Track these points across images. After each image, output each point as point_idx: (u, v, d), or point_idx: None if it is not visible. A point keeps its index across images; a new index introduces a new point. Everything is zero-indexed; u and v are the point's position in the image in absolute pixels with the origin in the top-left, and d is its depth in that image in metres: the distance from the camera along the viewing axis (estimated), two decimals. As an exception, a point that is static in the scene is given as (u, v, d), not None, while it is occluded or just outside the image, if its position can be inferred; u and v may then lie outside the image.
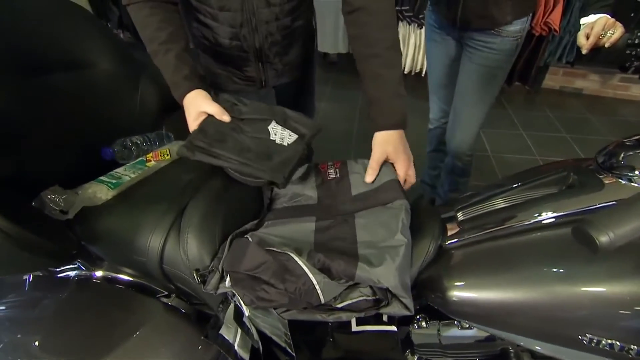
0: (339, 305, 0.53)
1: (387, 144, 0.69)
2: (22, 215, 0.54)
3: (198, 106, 0.71)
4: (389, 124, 0.69)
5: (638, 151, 0.57)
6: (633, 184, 0.54)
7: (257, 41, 0.85)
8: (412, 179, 0.72)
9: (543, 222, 0.55)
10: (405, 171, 0.70)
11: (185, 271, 0.56)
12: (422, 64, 2.78)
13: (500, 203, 0.61)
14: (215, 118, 0.70)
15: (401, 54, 0.71)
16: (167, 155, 0.79)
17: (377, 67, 0.69)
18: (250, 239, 0.56)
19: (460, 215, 0.63)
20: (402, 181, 0.69)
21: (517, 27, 1.03)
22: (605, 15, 0.83)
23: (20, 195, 0.60)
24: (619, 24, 0.80)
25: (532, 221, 0.55)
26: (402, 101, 0.70)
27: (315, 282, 0.50)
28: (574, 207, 0.53)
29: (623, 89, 2.71)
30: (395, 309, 0.53)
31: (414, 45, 2.73)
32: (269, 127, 0.71)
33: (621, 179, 0.55)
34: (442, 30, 1.17)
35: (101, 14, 3.86)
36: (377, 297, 0.53)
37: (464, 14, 1.04)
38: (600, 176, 0.57)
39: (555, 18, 2.00)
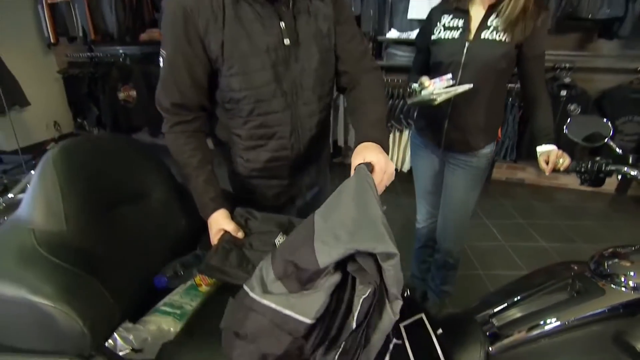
0: (355, 323, 0.48)
1: (364, 151, 0.71)
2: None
3: (219, 224, 0.82)
4: (368, 138, 0.75)
5: (616, 260, 0.74)
6: (622, 288, 0.69)
7: (302, 145, 0.94)
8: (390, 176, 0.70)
9: (567, 325, 0.67)
10: (382, 168, 0.68)
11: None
12: (398, 162, 3.14)
13: (525, 309, 0.73)
14: (232, 235, 0.80)
15: (385, 108, 0.90)
16: (214, 276, 0.84)
17: (361, 112, 0.86)
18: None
19: (495, 322, 0.73)
20: (379, 179, 0.67)
21: (488, 150, 1.30)
22: (554, 147, 1.12)
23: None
24: (565, 155, 1.08)
25: (558, 324, 0.67)
26: (383, 132, 0.80)
27: (285, 311, 0.47)
28: (589, 310, 0.67)
29: (555, 179, 3.24)
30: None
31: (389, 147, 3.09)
32: (276, 241, 0.80)
33: (613, 284, 0.70)
34: (427, 149, 1.42)
35: (79, 113, 3.97)
36: (369, 281, 0.48)
37: (446, 141, 1.30)
38: (597, 282, 0.72)
39: (496, 128, 2.47)
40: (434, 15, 1.24)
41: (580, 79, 2.72)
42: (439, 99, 1.13)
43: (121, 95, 3.54)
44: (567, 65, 2.65)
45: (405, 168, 2.98)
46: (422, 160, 1.47)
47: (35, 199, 0.59)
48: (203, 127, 0.91)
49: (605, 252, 0.77)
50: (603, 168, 0.94)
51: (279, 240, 0.80)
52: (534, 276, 0.86)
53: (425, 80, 1.16)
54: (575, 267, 0.80)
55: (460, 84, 1.15)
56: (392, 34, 2.78)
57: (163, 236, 0.85)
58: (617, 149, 0.97)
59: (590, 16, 2.33)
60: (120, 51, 3.61)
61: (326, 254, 0.49)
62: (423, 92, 1.16)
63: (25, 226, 0.56)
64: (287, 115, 0.88)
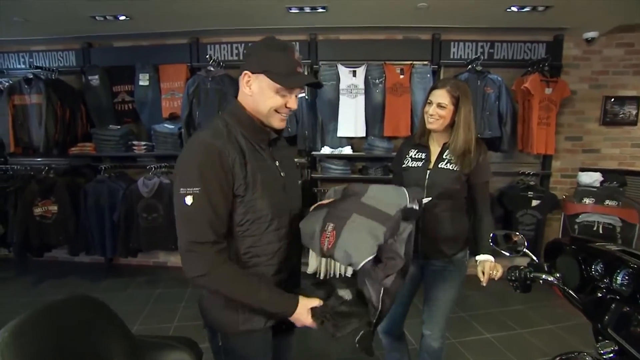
0: None
1: None
2: None
3: (306, 305, 0.95)
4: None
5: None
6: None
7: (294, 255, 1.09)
8: None
9: None
10: None
11: None
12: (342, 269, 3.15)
13: None
14: (317, 306, 0.94)
15: None
16: None
17: None
18: None
19: None
20: None
21: (461, 255, 1.48)
22: (489, 258, 1.31)
23: None
24: (499, 265, 1.26)
25: None
26: None
27: None
28: None
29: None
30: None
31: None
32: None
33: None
34: None
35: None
36: None
37: (422, 250, 1.46)
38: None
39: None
40: (404, 148, 1.57)
41: (482, 182, 3.29)
42: None
43: (38, 210, 3.18)
44: (470, 171, 3.23)
45: (349, 273, 3.04)
46: None
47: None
48: None
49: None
50: (528, 276, 1.12)
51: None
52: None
53: None
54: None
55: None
56: (325, 150, 3.15)
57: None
58: (534, 258, 1.17)
59: (479, 135, 2.95)
60: (42, 162, 3.37)
61: None
62: None
63: None
64: (289, 230, 1.02)
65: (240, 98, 0.99)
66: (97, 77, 3.24)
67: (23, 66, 3.45)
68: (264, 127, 0.98)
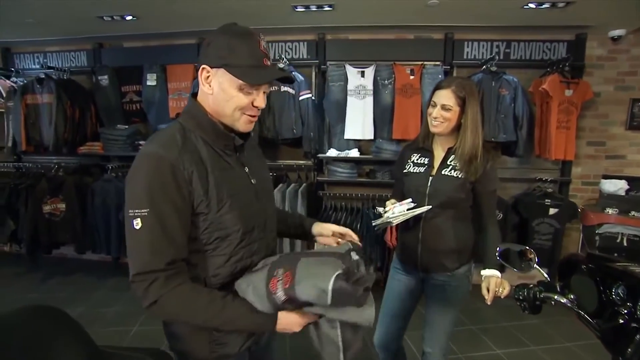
0: None
1: (323, 227, 1.08)
2: None
3: (297, 317, 0.81)
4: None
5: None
6: None
7: None
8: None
9: None
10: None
11: None
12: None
13: None
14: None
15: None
16: None
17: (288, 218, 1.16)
18: None
19: None
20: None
21: (464, 270, 1.36)
22: (496, 274, 1.19)
23: None
24: (506, 282, 1.15)
25: None
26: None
27: None
28: None
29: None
30: None
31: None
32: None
33: None
34: (406, 272, 1.47)
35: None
36: None
37: (422, 264, 1.36)
38: None
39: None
40: (406, 153, 1.46)
41: (496, 188, 3.14)
42: (395, 221, 1.26)
43: (47, 207, 3.23)
44: (483, 176, 3.07)
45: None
46: (397, 284, 1.49)
47: None
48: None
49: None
50: (537, 296, 1.00)
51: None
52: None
53: (389, 203, 1.31)
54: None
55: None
56: (332, 152, 3.07)
57: None
58: (545, 276, 1.06)
59: (493, 139, 2.82)
60: (54, 161, 3.42)
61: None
62: (384, 216, 1.27)
63: None
64: (263, 243, 0.93)
65: (199, 97, 0.87)
66: (106, 77, 3.27)
67: (37, 66, 3.52)
68: (228, 133, 0.87)
